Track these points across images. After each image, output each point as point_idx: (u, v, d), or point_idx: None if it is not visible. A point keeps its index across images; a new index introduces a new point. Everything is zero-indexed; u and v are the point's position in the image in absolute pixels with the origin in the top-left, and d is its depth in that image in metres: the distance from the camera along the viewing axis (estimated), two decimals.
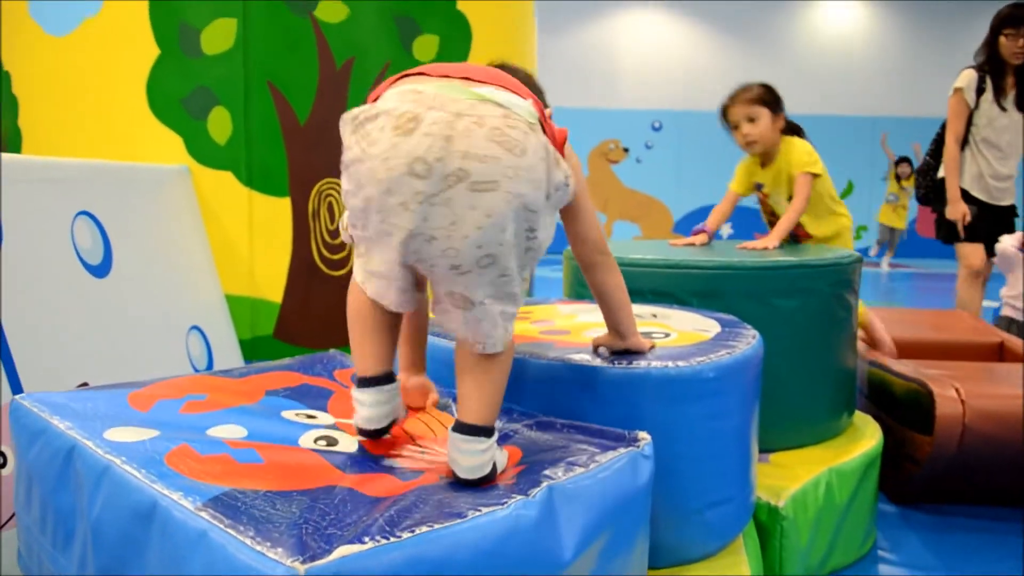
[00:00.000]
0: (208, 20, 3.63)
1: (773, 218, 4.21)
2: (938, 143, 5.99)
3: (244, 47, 3.63)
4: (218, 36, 3.63)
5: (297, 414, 2.09)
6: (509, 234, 1.67)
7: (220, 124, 3.66)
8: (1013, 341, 4.69)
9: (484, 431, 1.77)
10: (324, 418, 2.10)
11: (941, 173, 5.86)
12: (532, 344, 2.39)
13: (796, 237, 4.17)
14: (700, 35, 17.26)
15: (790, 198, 4.06)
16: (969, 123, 5.72)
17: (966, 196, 5.73)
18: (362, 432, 1.91)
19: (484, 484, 1.74)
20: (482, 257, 1.67)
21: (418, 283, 1.86)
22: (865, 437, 3.40)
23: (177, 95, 3.66)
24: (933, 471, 3.61)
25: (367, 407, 1.88)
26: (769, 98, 4.05)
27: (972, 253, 5.84)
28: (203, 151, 3.67)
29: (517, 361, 2.24)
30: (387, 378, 1.90)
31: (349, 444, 1.95)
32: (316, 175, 3.73)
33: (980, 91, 5.70)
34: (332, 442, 1.95)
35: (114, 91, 3.72)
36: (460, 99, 1.69)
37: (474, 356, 1.81)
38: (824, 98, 17.11)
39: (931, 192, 6.00)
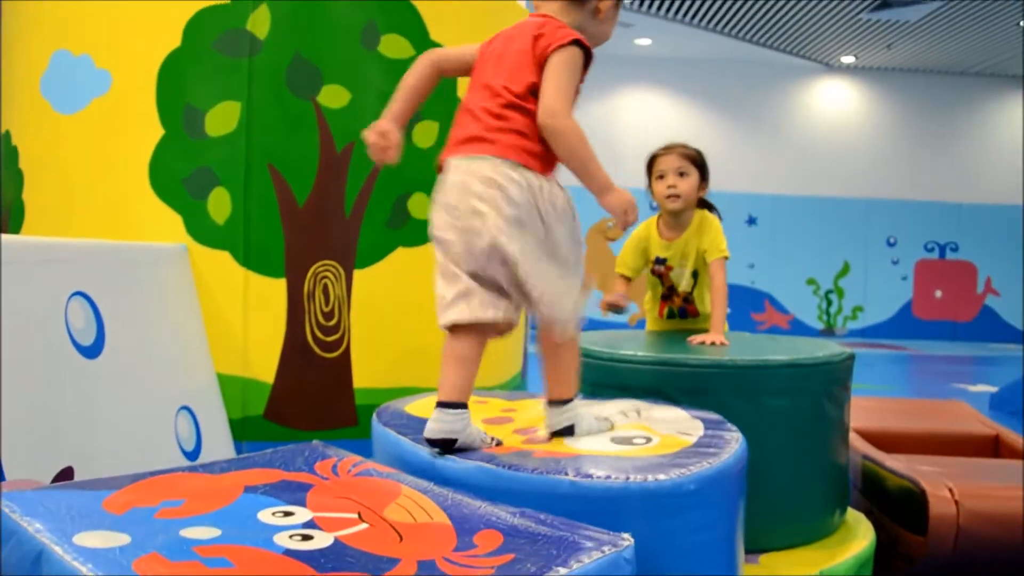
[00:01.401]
0: (213, 103, 3.68)
1: (672, 293, 4.12)
2: None
3: (247, 129, 3.67)
4: (222, 118, 3.67)
5: (274, 512, 2.08)
6: (513, 241, 2.41)
7: (220, 204, 3.68)
8: (1008, 435, 4.66)
9: (564, 402, 2.58)
10: (302, 513, 2.09)
11: None
12: (512, 455, 2.38)
13: (685, 312, 4.11)
14: (697, 117, 17.37)
15: (694, 273, 4.01)
16: None
17: None
18: (428, 443, 2.45)
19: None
20: (495, 257, 2.43)
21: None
22: (857, 537, 3.36)
23: (179, 175, 3.69)
24: (927, 572, 3.57)
25: (433, 421, 2.45)
26: (702, 162, 3.99)
27: None
28: (202, 230, 3.70)
29: (494, 473, 2.30)
30: (456, 405, 2.47)
31: (325, 539, 1.94)
32: (313, 257, 3.75)
33: None
34: (307, 538, 1.94)
35: (118, 169, 3.76)
36: (466, 166, 2.48)
37: (547, 346, 2.61)
38: (820, 179, 17.17)
39: None
